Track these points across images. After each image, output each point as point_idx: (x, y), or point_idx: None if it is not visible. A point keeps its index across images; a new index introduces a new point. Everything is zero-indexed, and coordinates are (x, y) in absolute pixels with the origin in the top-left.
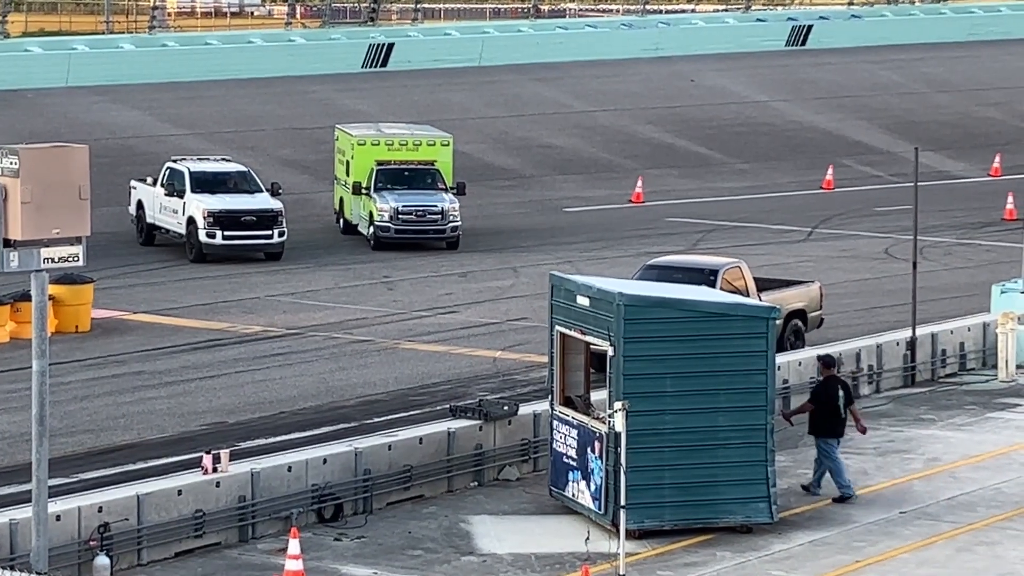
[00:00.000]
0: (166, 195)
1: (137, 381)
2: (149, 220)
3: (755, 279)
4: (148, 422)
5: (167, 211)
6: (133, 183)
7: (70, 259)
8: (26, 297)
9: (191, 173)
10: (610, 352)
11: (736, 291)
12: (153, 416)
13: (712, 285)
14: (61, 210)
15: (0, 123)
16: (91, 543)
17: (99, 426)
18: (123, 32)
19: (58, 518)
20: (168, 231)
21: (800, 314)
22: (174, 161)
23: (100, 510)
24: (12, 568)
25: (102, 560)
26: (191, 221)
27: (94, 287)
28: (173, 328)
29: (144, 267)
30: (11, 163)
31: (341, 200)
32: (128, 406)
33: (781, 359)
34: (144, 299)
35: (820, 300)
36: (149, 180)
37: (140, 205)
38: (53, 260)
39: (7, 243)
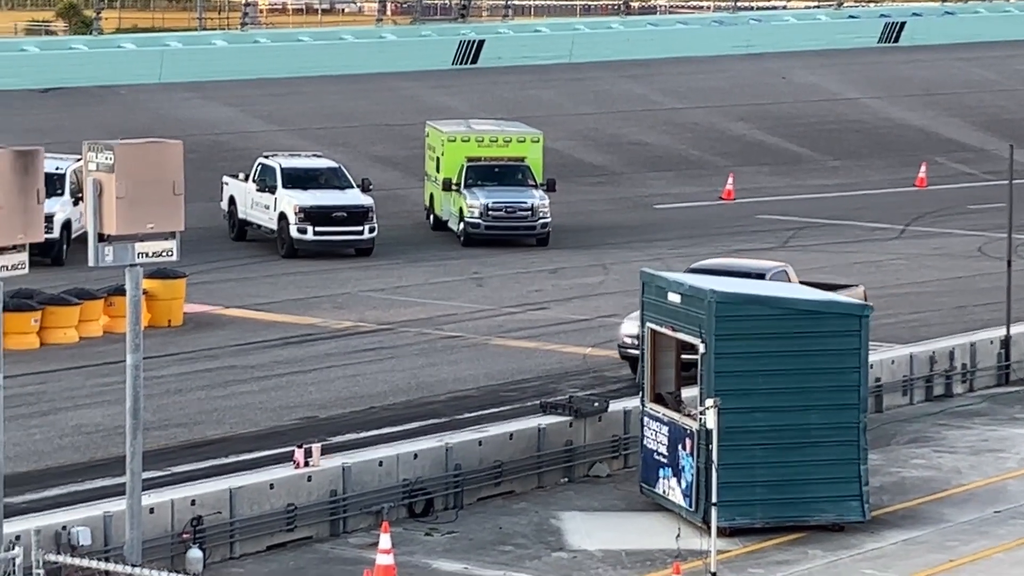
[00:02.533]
0: (258, 191)
1: (229, 376)
2: (241, 216)
3: (807, 283)
4: (240, 416)
5: (259, 207)
6: (225, 179)
7: (164, 254)
8: (119, 291)
9: (283, 169)
10: (701, 349)
11: None
12: (245, 410)
13: None
14: (155, 205)
15: (94, 119)
16: (184, 536)
17: (192, 420)
18: (215, 29)
19: (152, 511)
20: (260, 227)
21: None
22: (266, 157)
23: (193, 503)
24: (107, 559)
25: (195, 553)
26: (282, 217)
27: (187, 282)
28: (265, 323)
29: (236, 262)
30: (106, 158)
31: (431, 196)
32: (220, 400)
33: (874, 357)
34: (236, 294)
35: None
36: (241, 176)
37: (232, 201)
38: (147, 255)
39: (102, 238)
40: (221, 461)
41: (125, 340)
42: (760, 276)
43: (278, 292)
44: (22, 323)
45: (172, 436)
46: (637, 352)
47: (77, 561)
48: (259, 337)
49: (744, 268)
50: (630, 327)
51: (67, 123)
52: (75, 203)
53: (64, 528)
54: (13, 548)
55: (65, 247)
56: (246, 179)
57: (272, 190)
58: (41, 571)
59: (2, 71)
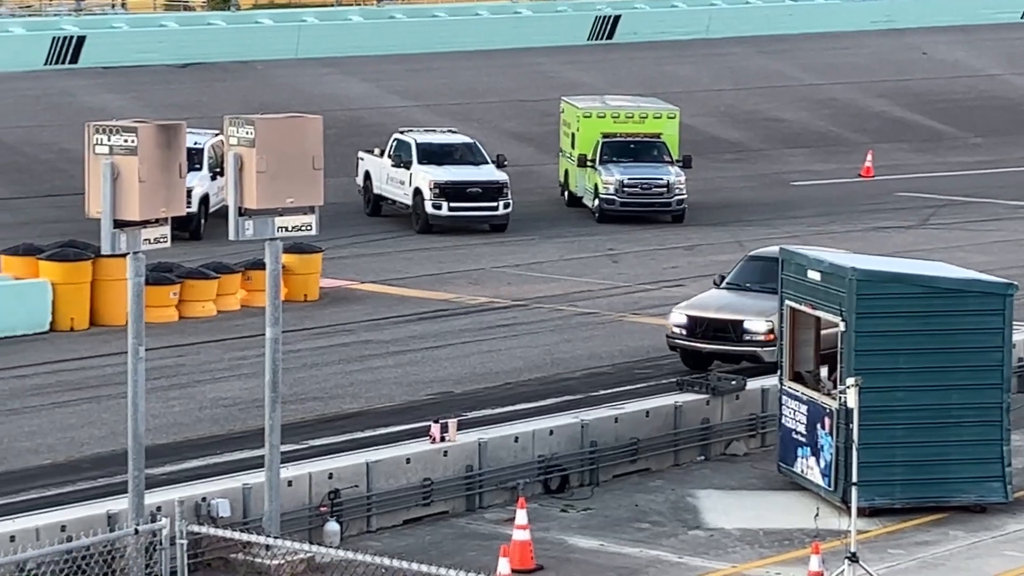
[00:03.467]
0: (393, 166)
1: (365, 350)
2: (376, 191)
3: None
4: (376, 391)
5: (394, 182)
6: (361, 154)
7: (303, 228)
8: (257, 265)
9: (418, 145)
10: (842, 327)
11: None
12: (380, 385)
13: None
14: (295, 180)
15: (231, 94)
16: (322, 509)
17: (328, 394)
18: (351, 4)
19: (289, 483)
20: (395, 202)
21: None
22: (401, 132)
23: (330, 476)
24: (246, 531)
25: (332, 526)
26: (417, 192)
27: (322, 256)
28: (399, 298)
29: (371, 237)
30: (247, 133)
31: (566, 172)
32: (356, 374)
33: (1018, 337)
34: (371, 269)
35: None
36: (376, 151)
37: (367, 176)
38: (287, 229)
39: (242, 212)
40: (357, 435)
41: (262, 314)
42: None
43: (412, 267)
44: (161, 296)
45: (309, 410)
46: (685, 343)
47: (219, 532)
48: (394, 312)
49: None
50: (679, 317)
51: (205, 98)
52: (213, 178)
53: (204, 500)
54: (157, 519)
55: (203, 221)
56: (381, 154)
57: (407, 165)
58: (184, 541)
59: (141, 47)
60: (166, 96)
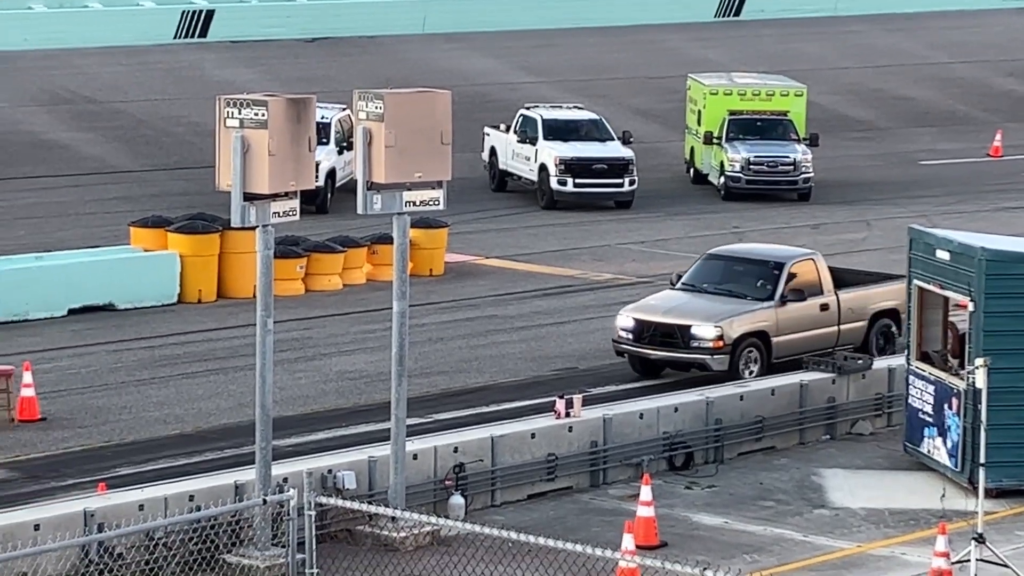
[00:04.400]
0: (519, 142)
1: (490, 325)
2: (501, 167)
3: (848, 271)
4: (500, 366)
5: (519, 158)
6: (487, 130)
7: (430, 203)
8: (383, 239)
9: (544, 121)
10: (970, 308)
11: (805, 286)
12: (505, 360)
13: (776, 279)
14: (423, 154)
15: (358, 68)
16: (447, 482)
17: (453, 368)
18: None
19: (415, 457)
20: (520, 178)
21: (891, 314)
22: (527, 108)
23: (455, 450)
24: (371, 503)
25: (457, 499)
26: (543, 168)
27: (448, 231)
28: (524, 274)
29: (496, 213)
30: (376, 107)
31: (692, 149)
32: (481, 349)
33: None
34: (496, 244)
35: None
36: (502, 127)
37: (493, 152)
38: (415, 204)
39: (370, 186)
40: (482, 409)
41: (387, 288)
42: (779, 266)
43: (537, 243)
44: (288, 270)
45: (433, 384)
46: (631, 348)
47: (347, 503)
48: (518, 287)
49: (761, 256)
50: (625, 320)
51: (332, 72)
52: (340, 152)
53: (330, 472)
54: (283, 490)
55: (329, 195)
56: (507, 130)
57: (533, 141)
58: (312, 512)
59: (270, 21)
60: (293, 70)
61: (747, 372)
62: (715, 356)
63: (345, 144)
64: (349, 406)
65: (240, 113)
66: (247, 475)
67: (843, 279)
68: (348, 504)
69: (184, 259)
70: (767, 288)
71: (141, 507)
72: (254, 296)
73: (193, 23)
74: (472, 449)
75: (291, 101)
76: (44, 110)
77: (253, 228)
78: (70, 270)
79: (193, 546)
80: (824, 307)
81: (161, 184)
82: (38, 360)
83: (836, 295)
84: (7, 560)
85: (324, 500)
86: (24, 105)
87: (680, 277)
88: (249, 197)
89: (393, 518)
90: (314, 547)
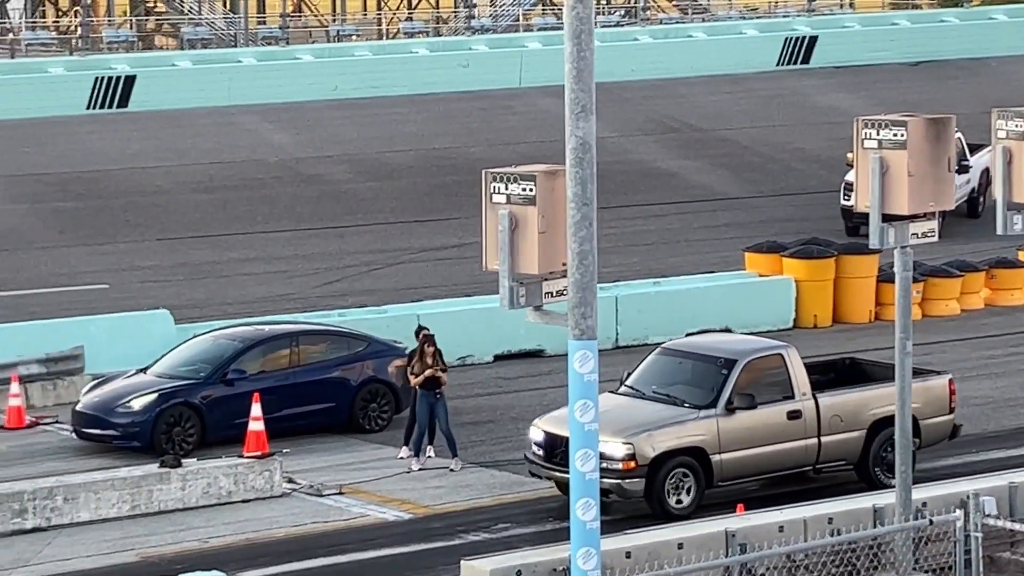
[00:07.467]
0: None
1: None
2: None
3: (879, 365)
4: None
5: None
6: None
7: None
8: (1001, 264)
9: None
10: None
11: (765, 389)
12: None
13: (722, 382)
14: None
15: (963, 91)
16: None
17: None
18: None
19: None
20: None
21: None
22: None
23: None
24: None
25: None
26: None
27: None
28: None
29: None
30: (1016, 126)
31: None
32: None
33: None
34: None
35: (949, 400)
36: None
37: None
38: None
39: (1010, 206)
40: None
41: (1007, 313)
42: (728, 364)
43: None
44: None
45: None
46: (541, 466)
47: (1017, 526)
48: None
49: (711, 350)
50: (535, 432)
51: (937, 96)
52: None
53: (972, 496)
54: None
55: (942, 219)
56: None
57: None
58: (979, 535)
59: (873, 45)
60: (896, 94)
61: (674, 501)
62: (627, 479)
63: (957, 166)
64: (977, 432)
65: (879, 134)
66: (885, 499)
67: (872, 374)
68: (1018, 527)
69: (799, 284)
70: (711, 392)
71: (781, 528)
72: (870, 321)
73: (795, 52)
74: None
75: (930, 121)
76: (651, 139)
77: (867, 253)
78: (688, 295)
79: (834, 567)
80: (794, 414)
81: (768, 210)
82: None
83: (815, 399)
84: None
85: (991, 522)
86: (632, 135)
87: (630, 375)
88: (887, 218)
89: None
90: (980, 570)
